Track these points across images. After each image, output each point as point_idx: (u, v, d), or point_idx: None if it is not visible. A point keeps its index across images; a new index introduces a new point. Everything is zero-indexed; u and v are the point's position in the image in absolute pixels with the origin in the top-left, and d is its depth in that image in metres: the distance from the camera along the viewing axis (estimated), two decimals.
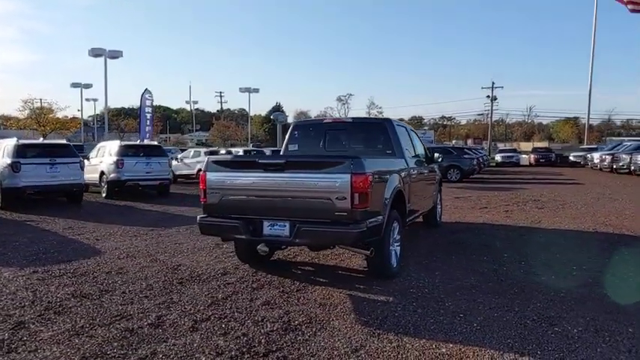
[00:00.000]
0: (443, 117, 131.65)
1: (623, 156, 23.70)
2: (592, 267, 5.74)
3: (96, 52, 31.98)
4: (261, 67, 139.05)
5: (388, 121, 6.22)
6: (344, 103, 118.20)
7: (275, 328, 3.87)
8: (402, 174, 5.61)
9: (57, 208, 11.59)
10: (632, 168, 22.08)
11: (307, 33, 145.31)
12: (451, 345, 3.54)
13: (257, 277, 5.32)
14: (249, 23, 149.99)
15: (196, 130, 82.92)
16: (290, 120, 42.21)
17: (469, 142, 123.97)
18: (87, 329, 3.85)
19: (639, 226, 8.53)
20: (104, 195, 14.13)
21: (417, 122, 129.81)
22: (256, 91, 46.10)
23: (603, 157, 26.83)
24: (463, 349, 3.45)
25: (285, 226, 4.67)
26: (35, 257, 6.37)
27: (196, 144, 56.00)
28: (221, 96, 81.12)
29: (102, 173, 14.32)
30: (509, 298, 4.57)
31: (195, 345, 3.55)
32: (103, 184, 14.32)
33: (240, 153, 19.90)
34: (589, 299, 4.56)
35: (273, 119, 37.21)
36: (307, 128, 6.70)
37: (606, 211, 10.77)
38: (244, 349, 3.47)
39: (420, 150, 7.30)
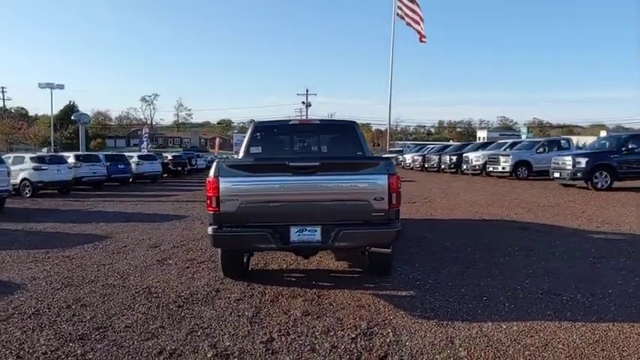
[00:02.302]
0: (252, 120, 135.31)
1: (433, 156, 28.26)
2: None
3: None
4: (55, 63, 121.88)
5: (355, 122, 6.38)
6: (149, 104, 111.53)
7: (354, 336, 3.75)
8: None
9: None
10: (442, 167, 26.47)
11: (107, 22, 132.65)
12: (515, 323, 3.96)
13: (260, 290, 4.95)
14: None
15: None
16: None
17: None
18: None
19: (499, 212, 10.45)
20: None
21: (226, 125, 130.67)
22: (61, 87, 39.82)
23: (415, 157, 31.47)
24: (529, 324, 3.91)
25: (315, 230, 4.47)
26: None
27: None
28: (3, 92, 67.64)
29: None
30: (499, 280, 5.23)
31: None
32: None
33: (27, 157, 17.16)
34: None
35: (75, 120, 33.07)
36: (271, 129, 6.37)
37: (465, 201, 12.81)
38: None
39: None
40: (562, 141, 21.14)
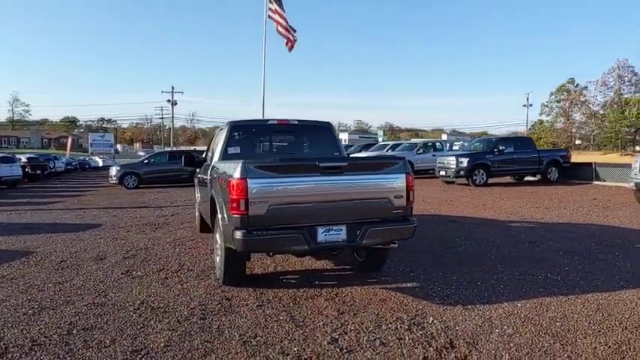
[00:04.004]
0: (102, 119, 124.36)
1: None
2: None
3: None
4: None
5: (330, 124, 6.47)
6: None
7: (407, 327, 3.92)
8: None
9: None
10: None
11: None
12: (524, 301, 4.51)
13: (273, 294, 4.81)
14: None
15: None
16: None
17: (137, 145, 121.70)
18: None
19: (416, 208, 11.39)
20: None
21: (70, 123, 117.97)
22: None
23: None
24: (535, 300, 4.49)
25: (341, 230, 4.51)
26: None
27: None
28: None
29: None
30: (475, 267, 5.84)
31: None
32: None
33: None
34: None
35: None
36: (249, 129, 6.10)
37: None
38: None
39: None
40: (437, 143, 23.71)
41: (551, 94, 79.55)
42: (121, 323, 4.06)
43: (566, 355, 3.37)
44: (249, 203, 4.18)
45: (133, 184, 19.69)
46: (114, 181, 20.13)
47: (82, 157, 48.66)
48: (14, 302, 4.66)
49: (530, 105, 68.84)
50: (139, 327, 3.98)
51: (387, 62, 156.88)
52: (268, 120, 6.15)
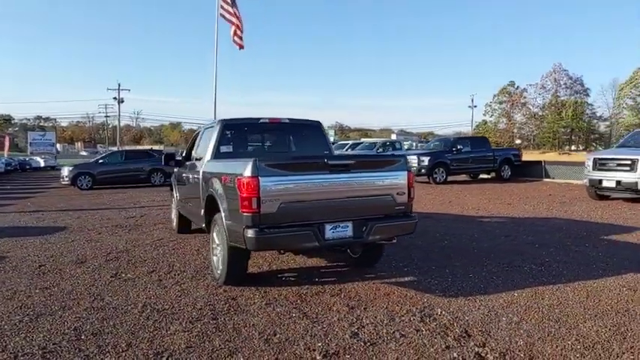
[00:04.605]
0: (39, 117, 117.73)
1: None
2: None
3: None
4: None
5: (320, 122, 6.51)
6: None
7: (420, 318, 4.06)
8: None
9: None
10: None
11: None
12: (520, 290, 4.77)
13: (277, 293, 4.82)
14: None
15: None
16: None
17: (78, 145, 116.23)
18: None
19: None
20: None
21: (4, 121, 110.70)
22: None
23: None
24: (530, 289, 4.76)
25: (347, 226, 4.58)
26: None
27: None
28: None
29: None
30: (462, 260, 6.09)
31: None
32: None
33: None
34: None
35: None
36: (241, 128, 6.02)
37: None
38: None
39: None
40: (396, 143, 24.30)
41: (494, 95, 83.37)
42: (130, 327, 3.94)
43: (573, 339, 3.61)
44: (261, 201, 4.17)
45: (86, 185, 18.82)
46: (66, 182, 19.16)
47: (21, 157, 45.76)
48: (4, 309, 4.38)
49: (475, 106, 71.92)
50: (151, 330, 3.87)
51: (336, 62, 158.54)
52: (260, 118, 6.10)
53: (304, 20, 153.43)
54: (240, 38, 38.64)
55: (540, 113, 79.01)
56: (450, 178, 18.03)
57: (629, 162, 10.54)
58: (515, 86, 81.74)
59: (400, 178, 4.79)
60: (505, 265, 5.79)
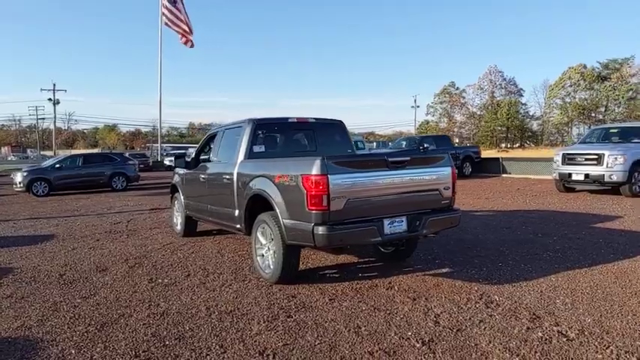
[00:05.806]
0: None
1: None
2: None
3: None
4: None
5: (342, 122, 6.64)
6: None
7: (477, 308, 4.30)
8: None
9: None
10: None
11: None
12: (551, 276, 5.15)
13: (334, 290, 4.90)
14: None
15: None
16: None
17: (5, 149, 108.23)
18: None
19: None
20: None
21: None
22: None
23: None
24: (562, 274, 5.15)
25: (402, 221, 4.75)
26: None
27: None
28: None
29: None
30: (482, 250, 6.43)
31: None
32: None
33: None
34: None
35: None
36: (272, 128, 6.00)
37: None
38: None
39: None
40: (359, 142, 24.67)
41: (435, 95, 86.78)
42: (210, 329, 3.90)
43: (631, 314, 4.00)
44: (331, 199, 4.25)
45: (43, 192, 17.69)
46: (20, 189, 17.89)
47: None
48: (59, 321, 4.17)
49: (418, 106, 74.66)
50: (233, 331, 3.85)
51: (277, 63, 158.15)
52: (288, 118, 6.15)
53: (241, 22, 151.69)
54: (184, 35, 37.33)
55: (479, 113, 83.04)
56: None
57: (596, 156, 11.49)
58: (456, 87, 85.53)
59: (446, 174, 5.04)
60: (525, 254, 6.20)
